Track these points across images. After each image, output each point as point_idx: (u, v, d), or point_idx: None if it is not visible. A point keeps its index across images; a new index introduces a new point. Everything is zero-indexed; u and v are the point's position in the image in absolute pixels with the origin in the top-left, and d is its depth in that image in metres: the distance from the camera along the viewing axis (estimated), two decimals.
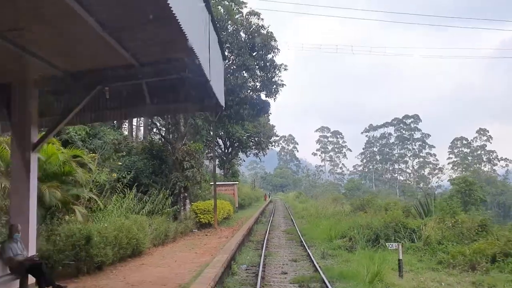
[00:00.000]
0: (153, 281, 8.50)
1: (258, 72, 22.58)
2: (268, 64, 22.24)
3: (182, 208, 19.31)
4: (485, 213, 31.92)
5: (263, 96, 24.11)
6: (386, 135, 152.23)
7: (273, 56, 22.35)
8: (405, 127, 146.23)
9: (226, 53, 22.25)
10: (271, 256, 14.93)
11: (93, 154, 12.88)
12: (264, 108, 23.71)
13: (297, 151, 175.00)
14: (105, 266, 9.96)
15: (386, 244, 13.08)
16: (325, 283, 10.12)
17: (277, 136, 51.79)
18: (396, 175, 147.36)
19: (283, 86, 23.64)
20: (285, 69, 23.13)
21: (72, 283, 8.42)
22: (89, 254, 9.20)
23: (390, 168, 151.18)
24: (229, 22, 20.60)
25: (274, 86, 23.07)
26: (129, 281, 8.67)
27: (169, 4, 4.07)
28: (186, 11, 4.76)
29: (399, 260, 12.19)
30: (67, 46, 6.40)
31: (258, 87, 23.63)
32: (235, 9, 21.45)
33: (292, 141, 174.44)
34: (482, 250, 12.73)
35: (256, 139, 42.50)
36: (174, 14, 4.26)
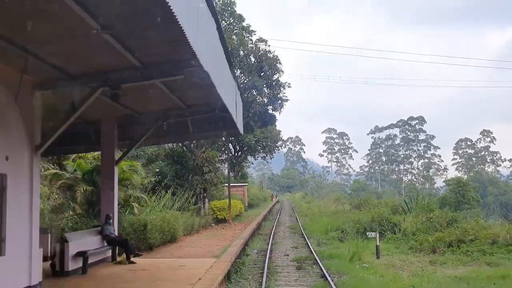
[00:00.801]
0: (194, 255, 12.13)
1: (265, 90, 26.31)
2: (274, 83, 25.97)
3: (202, 206, 22.97)
4: (473, 212, 35.19)
5: (270, 110, 27.79)
6: (392, 136, 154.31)
7: (278, 77, 26.19)
8: (410, 128, 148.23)
9: (238, 73, 25.88)
10: (277, 244, 18.51)
11: (137, 163, 16.54)
12: (271, 120, 27.37)
13: (304, 152, 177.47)
14: (154, 247, 13.62)
15: (367, 233, 16.58)
16: (316, 260, 13.65)
17: (283, 140, 55.17)
18: (402, 175, 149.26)
19: (287, 101, 27.44)
20: (289, 87, 26.96)
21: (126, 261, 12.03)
22: (145, 237, 12.87)
23: (396, 169, 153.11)
24: (241, 48, 24.33)
25: (280, 101, 26.80)
26: (176, 255, 12.31)
27: (218, 92, 7.59)
28: (227, 91, 8.34)
29: (376, 245, 15.72)
30: (145, 99, 10.02)
31: (265, 102, 27.31)
32: (246, 37, 25.18)
33: (299, 142, 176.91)
34: (442, 238, 16.21)
35: (264, 143, 45.89)
36: (221, 97, 7.79)
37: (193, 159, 24.34)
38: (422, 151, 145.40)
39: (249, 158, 48.39)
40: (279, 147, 51.65)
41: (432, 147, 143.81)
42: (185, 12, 4.62)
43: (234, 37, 24.26)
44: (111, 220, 10.54)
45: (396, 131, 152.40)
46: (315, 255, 14.69)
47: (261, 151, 47.62)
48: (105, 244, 10.34)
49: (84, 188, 12.76)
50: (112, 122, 11.05)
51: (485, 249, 15.02)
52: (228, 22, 24.96)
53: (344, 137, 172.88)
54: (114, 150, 11.03)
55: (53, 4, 5.02)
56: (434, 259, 14.80)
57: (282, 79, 26.62)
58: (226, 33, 23.50)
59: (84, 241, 9.36)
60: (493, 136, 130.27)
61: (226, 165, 34.72)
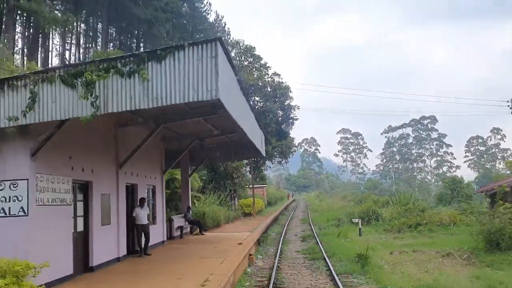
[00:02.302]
0: (236, 231, 19.39)
1: (279, 112, 33.52)
2: (286, 107, 33.15)
3: (233, 203, 30.25)
4: (463, 206, 41.28)
5: (283, 127, 35.02)
6: (405, 135, 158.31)
7: (289, 102, 33.45)
8: (422, 127, 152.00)
9: (258, 99, 33.09)
10: (290, 229, 25.66)
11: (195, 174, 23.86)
12: (284, 135, 34.48)
13: (319, 152, 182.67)
14: (209, 229, 20.93)
15: (352, 219, 23.54)
16: (315, 236, 20.75)
17: (296, 146, 61.93)
18: (415, 173, 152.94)
19: (297, 120, 34.62)
20: (298, 108, 34.13)
21: (196, 237, 19.38)
22: (204, 221, 20.18)
23: (410, 167, 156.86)
24: (260, 81, 31.60)
25: (291, 120, 33.95)
26: (225, 232, 19.61)
27: (254, 143, 14.74)
28: (258, 138, 15.54)
29: (359, 228, 22.63)
30: (212, 141, 17.28)
31: (280, 121, 34.55)
32: (263, 72, 32.45)
33: (314, 143, 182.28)
34: (405, 222, 23.05)
35: (279, 150, 52.82)
36: (255, 144, 14.96)
37: (224, 167, 31.61)
38: (434, 149, 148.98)
39: (267, 162, 55.39)
40: (293, 152, 58.52)
41: (444, 145, 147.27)
42: (245, 122, 11.68)
43: (255, 73, 31.56)
44: (190, 210, 17.91)
45: (408, 130, 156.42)
46: (315, 234, 21.80)
47: (277, 156, 54.54)
48: (187, 223, 17.69)
49: (165, 191, 20.19)
50: (186, 152, 18.40)
51: (433, 228, 21.74)
52: (249, 61, 32.27)
53: (359, 137, 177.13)
54: (188, 168, 18.42)
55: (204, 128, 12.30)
56: (397, 236, 21.60)
57: (293, 103, 34.08)
58: (248, 69, 30.83)
59: (178, 221, 16.75)
60: (503, 134, 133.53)
61: (248, 169, 41.84)
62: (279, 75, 33.24)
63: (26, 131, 7.23)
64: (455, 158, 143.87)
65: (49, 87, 6.85)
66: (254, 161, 53.05)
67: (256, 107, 32.07)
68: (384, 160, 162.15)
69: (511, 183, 17.46)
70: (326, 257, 14.07)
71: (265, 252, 16.22)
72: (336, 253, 15.02)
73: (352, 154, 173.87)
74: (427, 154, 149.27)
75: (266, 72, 32.87)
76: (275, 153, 53.44)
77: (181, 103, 6.76)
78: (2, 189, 7.21)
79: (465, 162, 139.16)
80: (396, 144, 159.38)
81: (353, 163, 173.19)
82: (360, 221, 22.95)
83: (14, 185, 7.19)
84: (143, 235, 11.82)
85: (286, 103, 33.30)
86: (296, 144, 70.06)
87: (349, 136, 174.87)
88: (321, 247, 16.69)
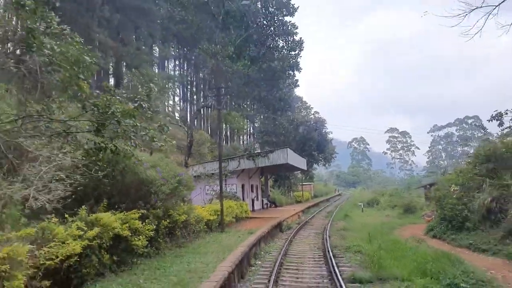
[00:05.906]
0: (292, 207, 38.15)
1: (318, 136, 51.61)
2: (323, 133, 51.13)
3: (289, 194, 48.94)
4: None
5: (322, 145, 53.22)
6: (449, 134, 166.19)
7: (325, 131, 51.44)
8: (466, 126, 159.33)
9: (304, 127, 51.55)
10: (323, 209, 43.92)
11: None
12: (323, 150, 52.75)
13: (368, 150, 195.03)
14: (278, 206, 39.83)
15: (358, 203, 41.38)
16: (333, 212, 38.92)
17: (337, 153, 78.32)
18: None
19: (332, 139, 52.52)
20: (331, 133, 52.06)
21: (273, 208, 38.31)
22: (280, 203, 39.26)
23: (456, 164, 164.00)
24: (305, 118, 49.75)
25: (326, 140, 51.89)
26: (286, 208, 38.46)
27: (303, 168, 33.32)
28: (303, 164, 34.23)
29: (362, 208, 40.40)
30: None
31: (319, 142, 52.70)
32: (308, 111, 50.70)
33: (363, 142, 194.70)
34: (389, 204, 40.31)
35: (322, 156, 70.41)
36: (303, 168, 33.57)
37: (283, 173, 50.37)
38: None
39: (314, 165, 73.28)
40: (334, 158, 75.62)
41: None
42: (298, 163, 30.28)
43: (303, 111, 49.79)
44: (269, 196, 37.03)
45: (453, 129, 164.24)
46: (334, 211, 39.84)
47: (322, 160, 72.18)
48: (268, 202, 36.74)
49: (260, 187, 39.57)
50: (266, 172, 37.41)
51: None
52: (297, 105, 50.40)
53: (406, 136, 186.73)
54: (267, 175, 37.47)
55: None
56: (381, 211, 38.87)
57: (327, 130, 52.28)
58: (297, 110, 49.31)
59: (265, 200, 35.88)
60: None
61: (302, 178, 60.23)
62: (318, 112, 51.36)
63: (236, 171, 26.52)
64: None
65: (242, 160, 26.13)
66: None
67: (303, 133, 50.58)
68: (431, 158, 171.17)
69: (431, 181, 34.34)
70: (332, 216, 32.26)
71: (306, 215, 34.73)
72: (337, 216, 33.18)
73: (401, 151, 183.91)
74: (471, 152, 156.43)
75: (310, 111, 50.91)
76: (320, 158, 71.38)
77: (277, 164, 25.66)
78: (229, 187, 26.55)
79: None
80: (442, 142, 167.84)
81: (401, 160, 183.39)
82: (362, 204, 40.69)
83: (232, 185, 26.53)
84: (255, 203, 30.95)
85: (323, 131, 51.28)
86: (347, 143, 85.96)
87: (396, 135, 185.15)
88: (333, 214, 34.83)
